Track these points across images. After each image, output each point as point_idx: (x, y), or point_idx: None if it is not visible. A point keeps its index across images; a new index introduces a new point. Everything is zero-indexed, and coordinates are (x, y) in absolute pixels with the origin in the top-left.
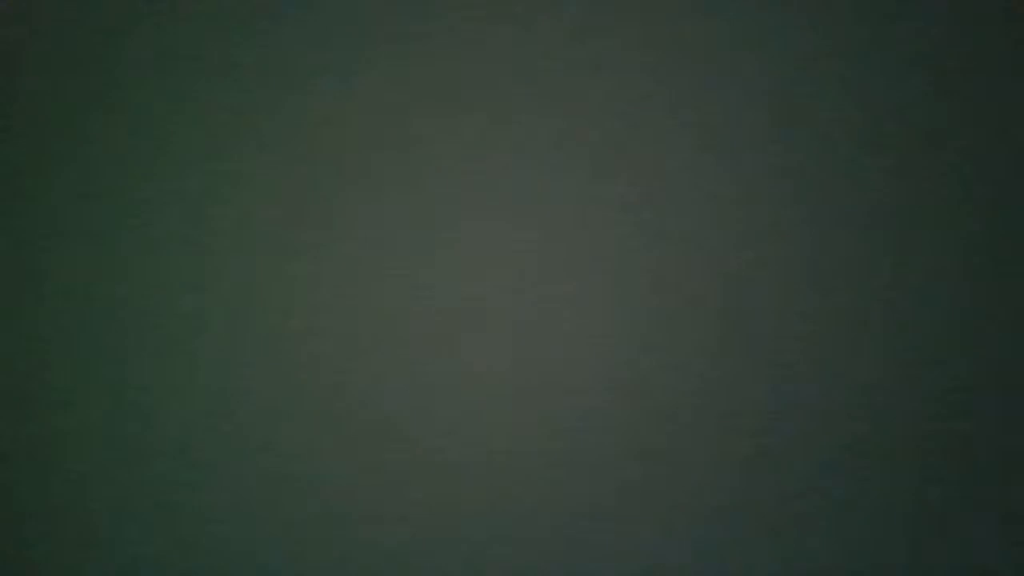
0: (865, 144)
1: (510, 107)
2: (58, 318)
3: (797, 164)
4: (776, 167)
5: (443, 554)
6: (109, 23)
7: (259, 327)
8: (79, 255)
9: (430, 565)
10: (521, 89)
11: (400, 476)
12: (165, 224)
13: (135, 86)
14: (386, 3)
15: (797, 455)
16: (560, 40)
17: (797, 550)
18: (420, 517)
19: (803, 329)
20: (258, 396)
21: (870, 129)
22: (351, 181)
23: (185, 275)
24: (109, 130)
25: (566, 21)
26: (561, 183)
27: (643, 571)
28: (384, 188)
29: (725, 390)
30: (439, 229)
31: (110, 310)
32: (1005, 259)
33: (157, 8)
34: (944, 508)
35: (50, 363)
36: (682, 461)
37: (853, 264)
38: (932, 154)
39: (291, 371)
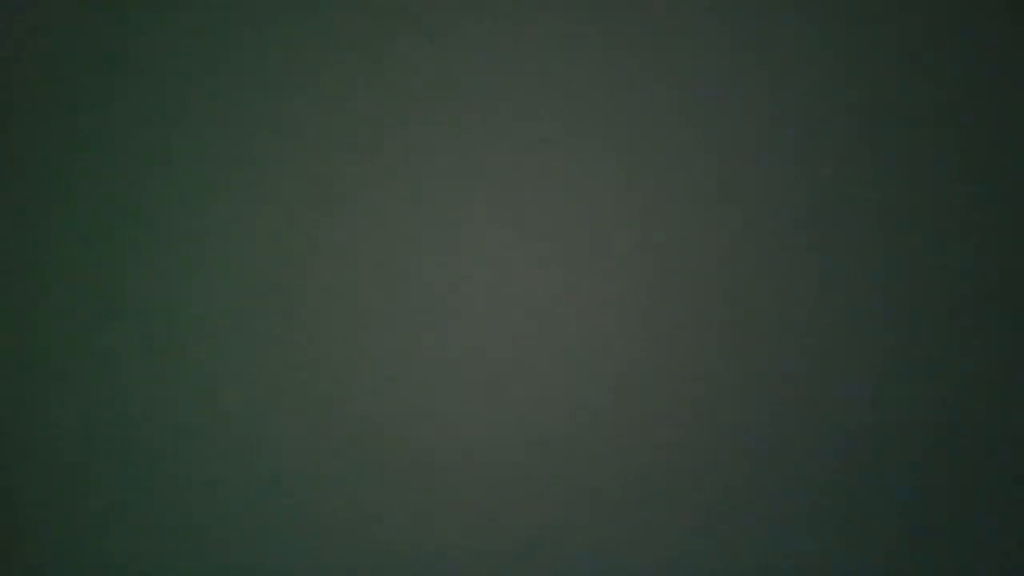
0: (866, 145)
1: (510, 109)
2: (58, 318)
3: (799, 166)
4: (778, 169)
5: (444, 554)
6: (109, 23)
7: (259, 328)
8: (79, 255)
9: (430, 565)
10: (522, 91)
11: (400, 475)
12: (165, 225)
13: (135, 87)
14: (387, 4)
15: (798, 454)
16: (562, 42)
17: (798, 550)
18: (420, 518)
19: (804, 330)
20: (258, 396)
21: (871, 130)
22: (351, 182)
23: (185, 275)
24: (109, 131)
25: (569, 24)
26: (562, 185)
27: (644, 570)
28: (385, 189)
29: (726, 391)
30: (440, 230)
31: (110, 310)
32: (1006, 259)
33: (158, 9)
34: (944, 510)
35: (50, 363)
36: (683, 462)
37: (855, 265)
38: (933, 155)
39: (292, 372)
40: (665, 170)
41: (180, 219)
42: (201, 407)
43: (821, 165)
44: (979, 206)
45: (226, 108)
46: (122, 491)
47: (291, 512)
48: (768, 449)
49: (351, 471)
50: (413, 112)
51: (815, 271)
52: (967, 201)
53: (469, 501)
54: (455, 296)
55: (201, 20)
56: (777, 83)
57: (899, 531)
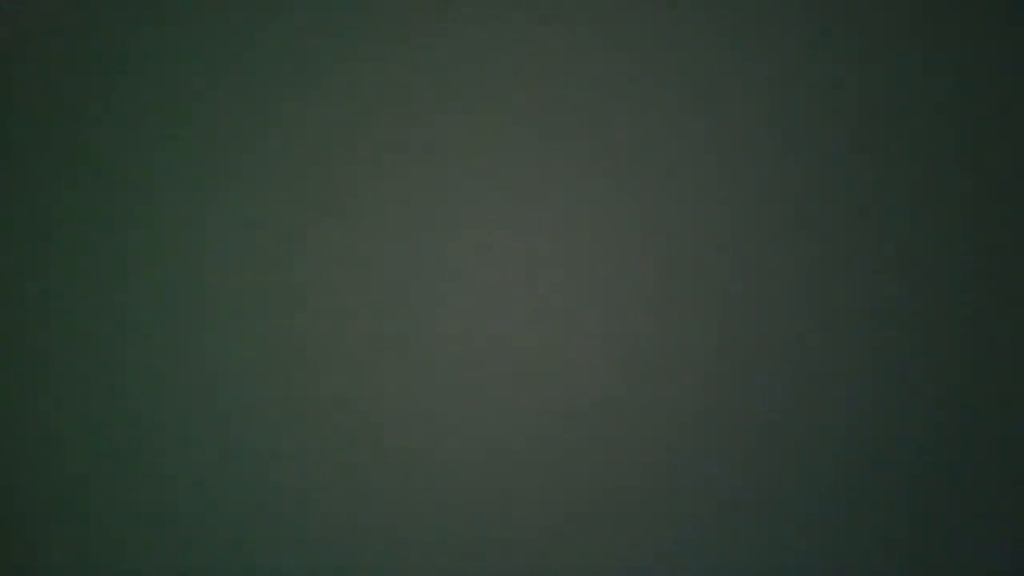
0: (866, 145)
1: (512, 110)
2: (58, 318)
3: (800, 169)
4: (778, 171)
5: (443, 554)
6: (109, 23)
7: (259, 328)
8: (79, 255)
9: (431, 565)
10: (522, 90)
11: (401, 476)
12: (166, 225)
13: (136, 86)
14: (388, 5)
15: (799, 455)
16: (567, 43)
17: (796, 551)
18: (420, 518)
19: (805, 331)
20: (258, 397)
21: (872, 130)
22: (352, 182)
23: (186, 274)
24: (109, 131)
25: (576, 25)
26: (563, 187)
27: (643, 571)
28: (387, 189)
29: (726, 392)
30: (440, 230)
31: (110, 310)
32: (1005, 259)
33: (158, 8)
34: (944, 511)
35: (50, 363)
36: (683, 464)
37: (856, 265)
38: (933, 155)
39: (291, 373)
40: (666, 170)
41: (180, 218)
42: (201, 407)
43: (822, 164)
44: (979, 206)
45: (226, 108)
46: (122, 491)
47: (292, 512)
48: (768, 449)
49: (351, 471)
50: (414, 112)
51: (817, 271)
52: (967, 201)
53: (469, 501)
54: (455, 297)
55: (202, 20)
56: (777, 83)
57: (899, 531)
